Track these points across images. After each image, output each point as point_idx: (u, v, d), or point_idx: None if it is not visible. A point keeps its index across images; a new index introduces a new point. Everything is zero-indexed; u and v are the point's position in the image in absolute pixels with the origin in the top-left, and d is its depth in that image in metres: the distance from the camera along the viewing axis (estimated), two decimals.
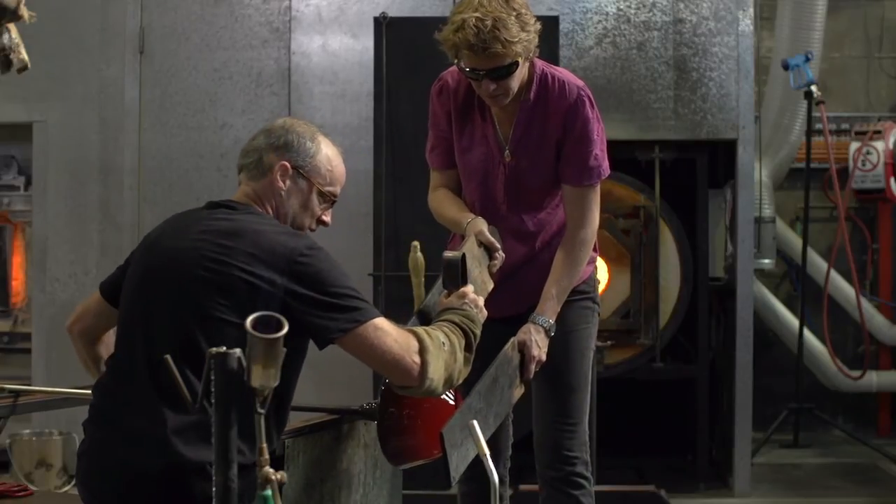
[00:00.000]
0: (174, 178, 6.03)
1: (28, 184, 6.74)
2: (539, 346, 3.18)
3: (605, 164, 3.30)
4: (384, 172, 5.58)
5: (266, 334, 1.90)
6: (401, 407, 2.85)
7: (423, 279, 3.22)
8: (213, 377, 1.93)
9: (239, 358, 1.92)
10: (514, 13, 3.05)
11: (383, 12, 5.65)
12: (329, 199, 2.78)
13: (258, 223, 2.60)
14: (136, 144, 6.05)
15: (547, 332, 3.22)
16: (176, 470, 2.43)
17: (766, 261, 6.78)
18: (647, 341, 6.04)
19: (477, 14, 3.01)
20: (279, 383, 1.93)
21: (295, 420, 2.95)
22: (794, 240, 7.17)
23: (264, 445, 1.92)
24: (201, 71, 6.03)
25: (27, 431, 5.72)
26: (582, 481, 3.34)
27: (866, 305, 7.13)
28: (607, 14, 5.88)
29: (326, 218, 2.79)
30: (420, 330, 2.63)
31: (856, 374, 7.02)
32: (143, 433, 2.46)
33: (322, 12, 5.99)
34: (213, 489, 1.93)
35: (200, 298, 2.49)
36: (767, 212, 6.80)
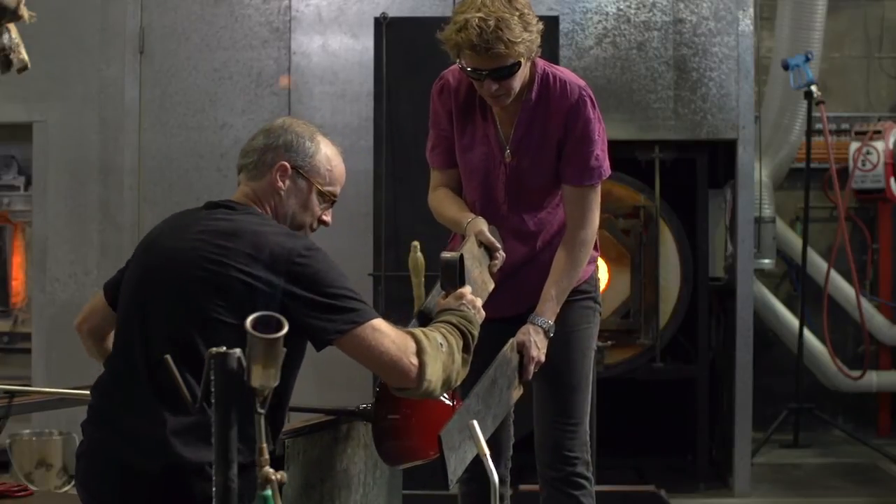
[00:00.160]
0: (174, 178, 6.03)
1: (28, 184, 6.74)
2: (538, 347, 3.18)
3: (606, 164, 3.30)
4: (384, 172, 5.57)
5: (266, 334, 1.90)
6: (397, 408, 2.84)
7: (423, 279, 3.22)
8: (212, 377, 1.92)
9: (239, 358, 1.92)
10: (517, 13, 3.04)
11: (383, 12, 5.65)
12: (329, 199, 2.77)
13: (257, 224, 2.59)
14: (136, 144, 6.05)
15: (546, 332, 3.21)
16: (175, 470, 2.43)
17: (766, 261, 6.78)
18: (647, 341, 6.05)
19: (480, 14, 3.01)
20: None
21: (295, 420, 2.95)
22: (794, 240, 7.17)
23: (265, 445, 1.91)
24: (201, 71, 6.03)
25: (27, 431, 5.72)
26: (582, 481, 3.34)
27: (866, 305, 7.13)
28: (607, 14, 5.88)
29: (327, 218, 2.79)
30: (417, 331, 2.62)
31: (856, 374, 7.02)
32: (142, 434, 2.46)
33: (322, 12, 5.99)
34: (213, 489, 1.93)
35: (198, 299, 2.49)
36: (767, 212, 6.80)
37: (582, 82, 3.27)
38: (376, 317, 2.56)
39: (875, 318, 7.25)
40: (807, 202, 6.72)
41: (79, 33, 6.11)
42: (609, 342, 5.91)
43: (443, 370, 2.62)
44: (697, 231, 6.05)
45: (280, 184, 2.70)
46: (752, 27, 5.89)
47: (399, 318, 2.87)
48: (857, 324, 7.13)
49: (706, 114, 5.86)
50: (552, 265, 3.27)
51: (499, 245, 3.17)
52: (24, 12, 2.97)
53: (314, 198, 2.74)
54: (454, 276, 2.93)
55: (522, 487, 4.96)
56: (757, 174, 6.47)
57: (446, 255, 2.97)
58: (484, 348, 3.08)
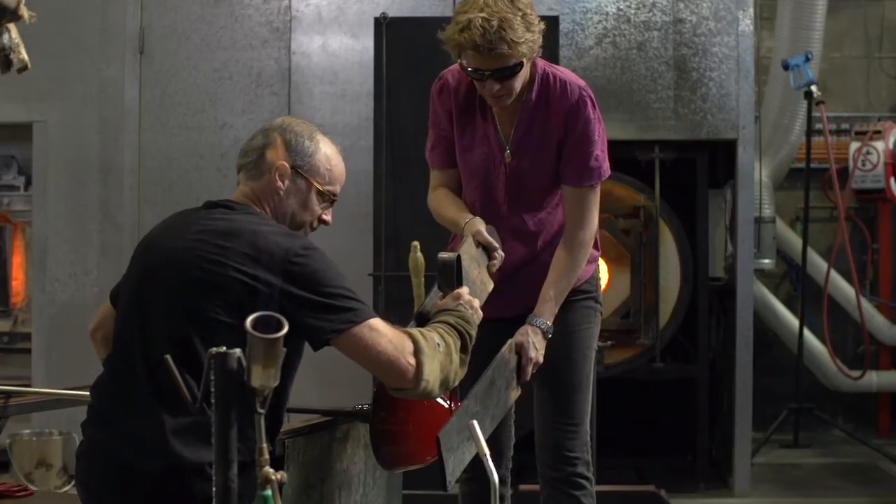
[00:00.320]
0: (174, 178, 6.03)
1: (28, 184, 6.75)
2: (536, 349, 3.17)
3: (606, 164, 3.29)
4: (384, 172, 5.57)
5: (266, 334, 1.90)
6: (394, 409, 2.82)
7: (423, 279, 3.21)
8: (212, 377, 1.92)
9: (239, 358, 1.92)
10: (520, 13, 3.04)
11: (383, 12, 5.65)
12: (329, 199, 2.76)
13: (255, 223, 2.59)
14: (136, 144, 6.05)
15: (544, 333, 3.21)
16: (175, 471, 2.43)
17: (766, 261, 6.78)
18: (647, 341, 6.04)
19: (483, 14, 3.00)
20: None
21: (295, 420, 2.95)
22: (794, 240, 7.17)
23: (264, 445, 1.91)
24: (201, 71, 6.03)
25: (27, 431, 5.72)
26: (583, 482, 3.33)
27: (866, 305, 7.13)
28: (607, 14, 5.88)
29: (327, 217, 2.78)
30: (415, 331, 2.61)
31: (856, 374, 7.01)
32: (142, 434, 2.45)
33: (322, 12, 5.99)
34: (213, 489, 1.93)
35: (197, 299, 2.48)
36: (767, 212, 6.80)
37: (582, 82, 3.26)
38: (373, 316, 2.55)
39: (875, 318, 7.25)
40: (807, 202, 6.72)
41: (79, 33, 6.11)
42: (609, 342, 5.91)
43: (440, 370, 2.61)
44: (697, 231, 6.05)
45: (279, 183, 2.69)
46: (752, 27, 5.89)
47: (399, 318, 2.87)
48: (857, 324, 7.13)
49: (706, 114, 5.86)
50: (551, 266, 3.27)
51: (497, 245, 3.16)
52: (24, 12, 2.97)
53: (314, 197, 2.73)
54: (451, 277, 2.92)
55: (523, 487, 4.96)
56: (757, 174, 6.47)
57: (443, 255, 2.96)
58: (484, 349, 3.08)
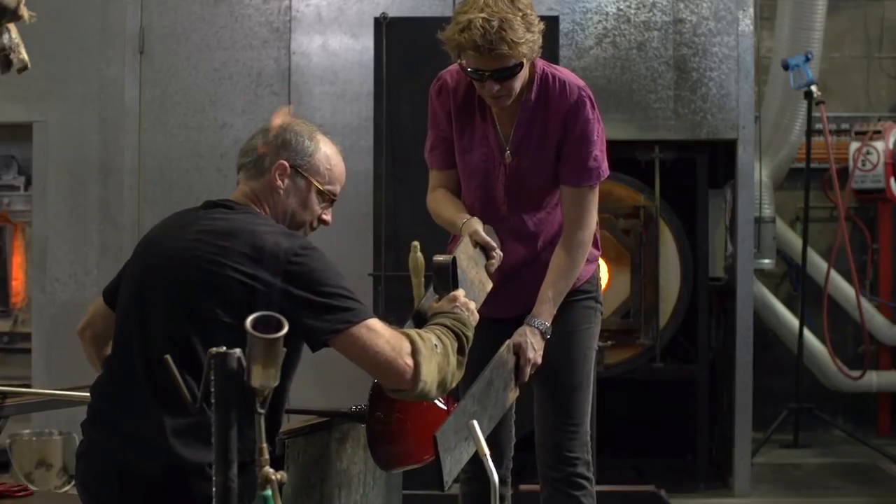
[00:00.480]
0: (174, 178, 6.03)
1: (28, 184, 6.74)
2: (534, 349, 3.17)
3: (605, 165, 3.29)
4: (384, 172, 5.58)
5: (266, 334, 1.90)
6: (391, 410, 2.81)
7: (423, 279, 3.20)
8: (212, 377, 1.92)
9: (239, 358, 1.92)
10: (521, 13, 3.03)
11: (383, 12, 5.65)
12: (328, 198, 2.76)
13: (254, 223, 2.58)
14: (136, 144, 6.05)
15: (543, 334, 3.20)
16: (174, 471, 2.43)
17: (766, 261, 6.78)
18: (647, 341, 6.05)
19: (483, 14, 3.00)
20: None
21: (295, 420, 2.95)
22: (794, 240, 7.17)
23: (264, 445, 1.91)
24: (201, 71, 6.03)
25: (27, 431, 5.72)
26: (583, 482, 3.33)
27: (866, 305, 7.13)
28: (607, 14, 5.88)
29: (327, 217, 2.77)
30: (412, 332, 2.60)
31: (856, 374, 7.01)
32: (142, 435, 2.45)
33: (322, 12, 5.99)
34: (213, 489, 1.93)
35: (196, 299, 2.48)
36: (767, 212, 6.80)
37: (581, 82, 3.26)
38: (371, 316, 2.54)
39: (875, 318, 7.24)
40: (807, 202, 6.72)
41: (79, 33, 6.11)
42: (609, 342, 5.91)
43: (438, 371, 2.59)
44: (697, 231, 6.05)
45: (279, 183, 2.69)
46: (752, 27, 5.89)
47: (399, 318, 2.87)
48: (857, 324, 7.13)
49: (706, 114, 5.86)
50: (549, 266, 3.26)
51: (494, 244, 3.16)
52: (24, 12, 2.97)
53: (314, 197, 2.73)
54: (447, 279, 2.91)
55: (523, 487, 4.96)
56: (757, 174, 6.47)
57: (439, 258, 2.95)
58: (485, 349, 3.08)
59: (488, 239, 3.15)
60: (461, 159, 3.34)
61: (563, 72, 3.28)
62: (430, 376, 2.57)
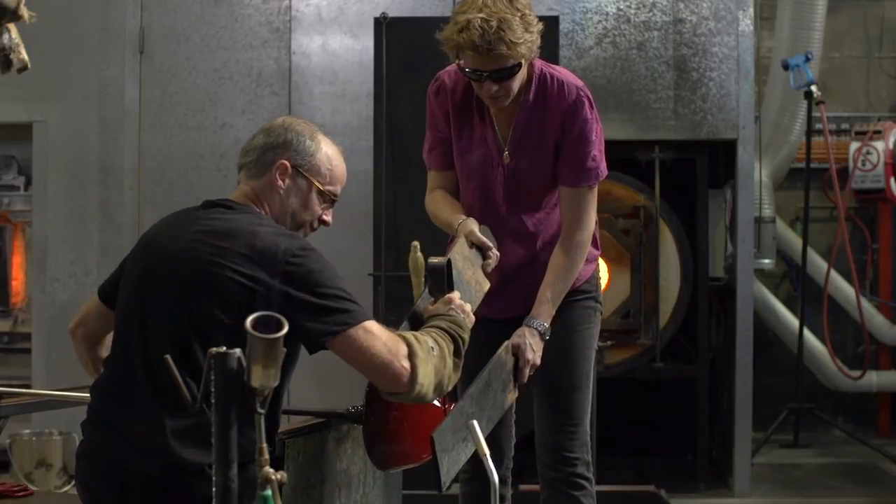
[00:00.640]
0: (174, 178, 6.03)
1: (28, 184, 6.75)
2: (533, 350, 3.16)
3: (603, 165, 3.28)
4: (384, 172, 5.58)
5: (266, 334, 1.90)
6: (386, 410, 2.80)
7: (423, 279, 3.19)
8: (212, 377, 1.92)
9: (239, 358, 1.92)
10: (519, 14, 3.03)
11: (383, 12, 5.65)
12: (329, 199, 2.75)
13: (254, 224, 2.57)
14: (136, 144, 6.05)
15: (542, 335, 3.19)
16: (174, 472, 2.43)
17: (766, 261, 6.78)
18: (647, 341, 6.05)
19: (482, 15, 2.99)
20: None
21: (296, 421, 2.95)
22: (794, 240, 7.17)
23: (264, 445, 1.91)
24: (201, 71, 6.03)
25: (27, 431, 5.72)
26: (582, 482, 3.33)
27: (866, 305, 7.13)
28: (607, 14, 5.88)
29: (327, 217, 2.77)
30: (408, 334, 2.59)
31: (856, 374, 7.02)
32: (141, 435, 2.45)
33: (322, 12, 5.99)
34: (213, 490, 1.93)
35: (195, 300, 2.48)
36: (767, 212, 6.81)
37: (580, 82, 3.25)
38: (369, 318, 2.53)
39: (875, 318, 7.25)
40: (807, 202, 6.72)
41: (79, 33, 6.11)
42: (609, 342, 5.91)
43: (434, 374, 2.58)
44: (697, 231, 6.05)
45: (280, 182, 2.68)
46: (752, 27, 5.89)
47: (399, 318, 2.87)
48: (857, 324, 7.13)
49: (706, 114, 5.86)
50: (548, 267, 3.25)
51: (490, 244, 3.15)
52: (24, 12, 2.97)
53: (314, 197, 2.72)
54: (442, 281, 2.89)
55: (523, 487, 4.96)
56: (757, 174, 6.47)
57: (434, 260, 2.93)
58: (484, 349, 3.08)
59: (484, 239, 3.14)
60: (459, 160, 3.34)
61: (561, 71, 3.27)
62: (426, 379, 2.55)
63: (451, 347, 2.67)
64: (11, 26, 3.02)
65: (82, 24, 6.11)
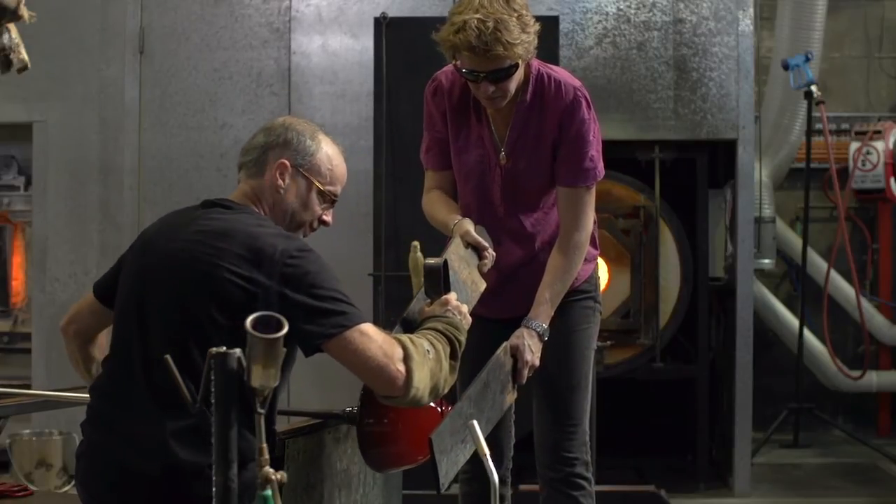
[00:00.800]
0: (174, 178, 6.03)
1: (28, 184, 6.75)
2: (532, 351, 3.16)
3: (601, 165, 3.27)
4: (384, 172, 5.58)
5: (266, 334, 1.90)
6: (382, 411, 2.78)
7: (423, 279, 3.20)
8: (212, 377, 1.92)
9: (239, 358, 1.92)
10: (516, 14, 3.02)
11: (383, 12, 5.65)
12: (329, 199, 2.74)
13: (252, 224, 2.57)
14: (136, 144, 6.05)
15: (540, 336, 3.19)
16: (174, 472, 2.42)
17: (766, 261, 6.78)
18: (647, 341, 6.05)
19: (478, 15, 2.99)
20: None
21: (296, 421, 2.95)
22: (794, 240, 7.17)
23: (264, 445, 1.91)
24: (201, 71, 6.03)
25: (27, 431, 5.72)
26: (582, 482, 3.33)
27: (866, 305, 7.13)
28: (607, 14, 5.88)
29: (327, 217, 2.76)
30: (404, 337, 2.57)
31: (856, 374, 7.02)
32: (141, 436, 2.45)
33: (322, 12, 5.99)
34: (213, 490, 1.93)
35: (193, 300, 2.47)
36: (767, 212, 6.81)
37: (577, 82, 3.25)
38: (365, 321, 2.52)
39: (875, 318, 7.25)
40: (807, 202, 6.72)
41: (79, 33, 6.11)
42: (609, 342, 5.91)
43: (430, 378, 2.56)
44: (697, 231, 6.05)
45: (280, 182, 2.68)
46: (752, 27, 5.89)
47: (399, 318, 2.86)
48: (857, 324, 7.13)
49: (706, 114, 5.86)
50: (546, 268, 3.25)
51: (486, 244, 3.14)
52: (24, 12, 2.97)
53: (314, 197, 2.71)
54: (438, 282, 2.88)
55: (522, 487, 4.96)
56: (757, 174, 6.47)
57: (430, 261, 2.92)
58: (483, 350, 3.08)
59: (480, 239, 3.13)
60: (457, 161, 3.33)
61: (558, 71, 3.27)
62: (422, 382, 2.53)
63: (448, 350, 2.66)
64: (11, 26, 3.02)
65: (82, 24, 6.11)
